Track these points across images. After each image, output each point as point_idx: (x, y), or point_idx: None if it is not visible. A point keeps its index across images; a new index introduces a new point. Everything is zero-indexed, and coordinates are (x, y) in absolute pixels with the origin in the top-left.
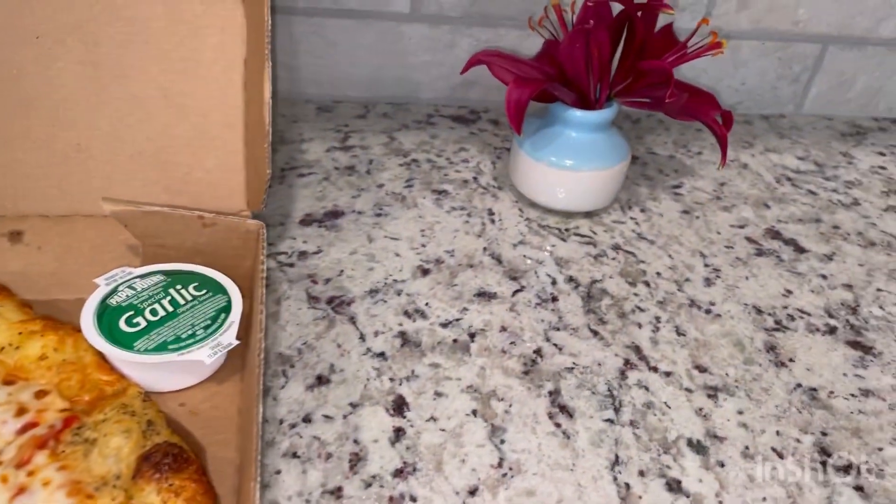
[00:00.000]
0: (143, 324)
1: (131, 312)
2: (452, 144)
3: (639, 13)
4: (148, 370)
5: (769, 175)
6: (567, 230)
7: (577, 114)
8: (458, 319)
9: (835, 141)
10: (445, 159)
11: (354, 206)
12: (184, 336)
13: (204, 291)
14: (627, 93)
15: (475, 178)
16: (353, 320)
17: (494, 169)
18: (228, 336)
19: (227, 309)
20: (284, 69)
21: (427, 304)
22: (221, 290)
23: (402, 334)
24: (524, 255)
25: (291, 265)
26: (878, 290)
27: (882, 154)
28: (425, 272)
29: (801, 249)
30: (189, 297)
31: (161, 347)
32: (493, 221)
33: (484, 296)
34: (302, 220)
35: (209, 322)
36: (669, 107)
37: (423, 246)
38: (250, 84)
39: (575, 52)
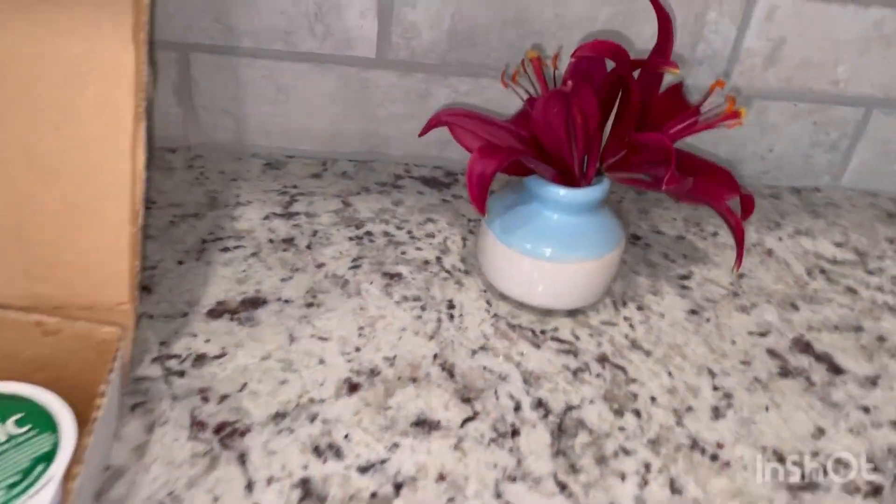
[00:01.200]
0: None
1: None
2: (418, 214)
3: (636, 72)
4: None
5: (799, 265)
6: (543, 332)
7: (559, 192)
8: (383, 461)
9: (879, 223)
10: (406, 233)
11: (282, 293)
12: None
13: (26, 428)
14: (622, 167)
15: (438, 259)
16: (242, 459)
17: (464, 247)
18: (41, 500)
19: (50, 456)
20: (229, 118)
21: (347, 435)
22: (51, 426)
23: (305, 483)
24: (484, 367)
25: (181, 374)
26: None
27: None
28: (353, 388)
29: (836, 369)
30: (2, 438)
31: None
32: (451, 318)
33: (423, 425)
34: (211, 311)
35: (19, 477)
36: (671, 190)
37: (358, 350)
38: (136, 146)
39: (552, 119)
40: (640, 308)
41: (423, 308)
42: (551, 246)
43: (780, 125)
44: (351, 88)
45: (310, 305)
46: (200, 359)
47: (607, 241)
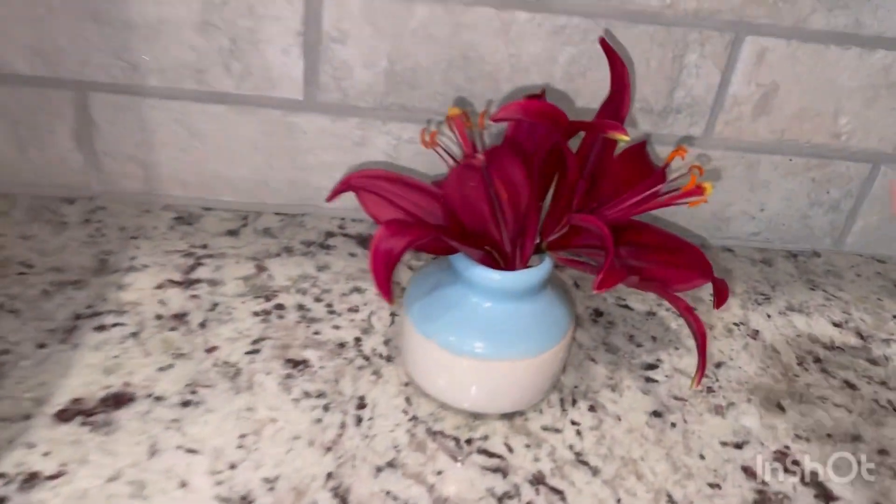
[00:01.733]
0: None
1: None
2: (344, 282)
3: (574, 136)
4: None
5: (790, 352)
6: (469, 442)
7: (490, 276)
8: None
9: (886, 297)
10: (325, 306)
11: (155, 388)
12: None
13: None
14: (565, 245)
15: (357, 341)
16: None
17: (392, 324)
18: None
19: None
20: (136, 165)
21: None
22: None
23: None
24: (387, 493)
25: (1, 502)
26: None
27: None
28: None
29: (826, 496)
30: None
31: None
32: (358, 421)
33: None
34: (61, 412)
35: None
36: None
37: (232, 468)
38: None
39: (469, 194)
40: (592, 408)
41: (325, 408)
42: (482, 339)
43: (772, 182)
44: (276, 133)
45: (186, 404)
46: (31, 479)
47: (550, 333)
